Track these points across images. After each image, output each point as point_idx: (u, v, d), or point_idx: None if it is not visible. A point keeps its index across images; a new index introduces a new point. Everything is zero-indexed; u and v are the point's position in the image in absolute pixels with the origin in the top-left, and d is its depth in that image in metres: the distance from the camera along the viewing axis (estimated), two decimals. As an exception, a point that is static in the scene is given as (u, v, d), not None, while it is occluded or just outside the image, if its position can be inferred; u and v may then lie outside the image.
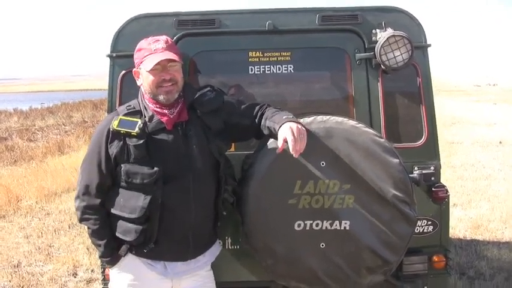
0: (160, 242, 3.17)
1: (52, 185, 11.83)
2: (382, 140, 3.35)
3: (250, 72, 3.99)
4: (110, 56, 3.88)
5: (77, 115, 32.39)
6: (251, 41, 3.95)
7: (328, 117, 3.35)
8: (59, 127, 26.91)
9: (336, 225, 3.33)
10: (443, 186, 3.87)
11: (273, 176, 3.28)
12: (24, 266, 7.23)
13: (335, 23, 3.91)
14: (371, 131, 3.37)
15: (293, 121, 3.06)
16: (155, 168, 3.05)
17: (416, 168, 3.82)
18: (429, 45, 3.96)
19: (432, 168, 3.85)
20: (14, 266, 7.21)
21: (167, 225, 3.15)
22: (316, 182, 3.28)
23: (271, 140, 3.25)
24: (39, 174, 13.08)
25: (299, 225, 3.34)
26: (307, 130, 3.17)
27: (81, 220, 3.26)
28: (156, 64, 3.05)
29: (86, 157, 3.24)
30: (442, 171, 3.96)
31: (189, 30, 3.87)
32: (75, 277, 6.76)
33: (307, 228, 3.34)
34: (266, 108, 3.32)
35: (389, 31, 3.71)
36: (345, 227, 3.33)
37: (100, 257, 3.32)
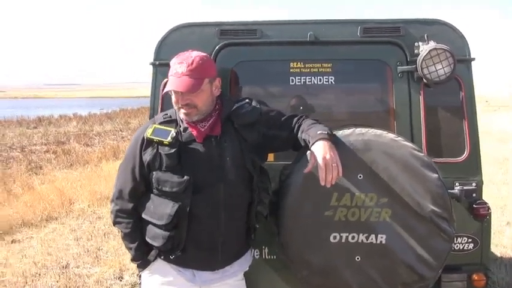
0: (188, 250, 3.17)
1: (105, 189, 12.04)
2: (421, 154, 3.28)
3: (291, 83, 3.99)
4: (153, 64, 3.93)
5: (134, 121, 33.04)
6: (292, 52, 3.95)
7: (367, 129, 3.30)
8: (116, 133, 27.54)
9: (372, 238, 3.28)
10: (485, 203, 3.76)
11: (310, 187, 3.21)
12: (72, 268, 7.38)
13: (377, 35, 3.87)
14: (410, 144, 3.31)
15: (327, 139, 3.01)
16: (185, 177, 3.04)
17: (457, 184, 3.73)
18: (473, 59, 3.87)
19: (474, 184, 3.76)
20: (63, 267, 7.38)
21: (195, 234, 3.14)
22: (353, 195, 3.24)
23: (309, 151, 3.18)
24: (93, 179, 13.38)
25: (335, 238, 3.30)
26: (344, 143, 3.17)
27: (114, 223, 3.35)
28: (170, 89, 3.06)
29: (122, 162, 3.29)
30: (497, 188, 3.88)
31: (231, 40, 3.89)
32: (120, 280, 6.87)
33: (343, 240, 3.30)
34: (303, 120, 3.28)
35: (432, 44, 3.65)
36: (381, 241, 3.27)
37: (131, 260, 3.37)
